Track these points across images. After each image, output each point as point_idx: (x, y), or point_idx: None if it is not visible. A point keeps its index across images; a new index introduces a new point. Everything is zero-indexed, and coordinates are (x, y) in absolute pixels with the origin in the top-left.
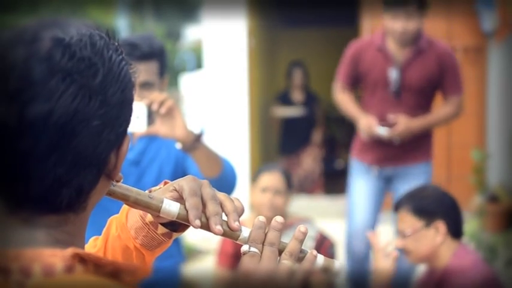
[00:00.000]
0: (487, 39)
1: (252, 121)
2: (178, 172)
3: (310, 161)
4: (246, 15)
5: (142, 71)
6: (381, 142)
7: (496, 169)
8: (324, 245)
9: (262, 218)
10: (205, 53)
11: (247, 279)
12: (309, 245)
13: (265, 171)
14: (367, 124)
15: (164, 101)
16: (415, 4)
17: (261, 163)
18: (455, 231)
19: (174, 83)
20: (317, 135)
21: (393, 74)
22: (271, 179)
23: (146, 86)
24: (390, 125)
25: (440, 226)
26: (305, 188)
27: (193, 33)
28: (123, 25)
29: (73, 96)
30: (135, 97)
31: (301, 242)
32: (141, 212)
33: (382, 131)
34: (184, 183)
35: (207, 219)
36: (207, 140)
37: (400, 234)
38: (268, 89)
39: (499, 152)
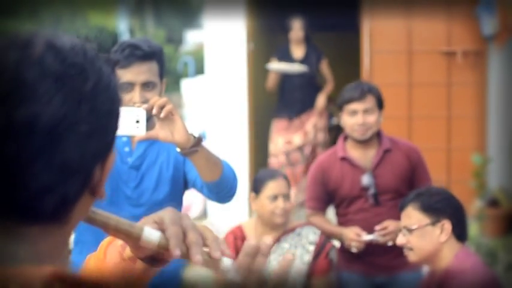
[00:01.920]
0: (487, 43)
1: (252, 126)
2: (178, 176)
3: (311, 128)
4: (245, 19)
5: (145, 71)
6: (369, 250)
7: (496, 173)
8: (324, 248)
9: (252, 244)
10: (207, 58)
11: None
12: (311, 248)
13: (269, 178)
14: (354, 235)
15: (164, 104)
16: (372, 100)
17: (261, 168)
18: (460, 233)
19: (175, 87)
20: (321, 99)
21: (365, 181)
22: (278, 185)
23: (148, 85)
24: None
25: (447, 225)
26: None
27: (193, 38)
28: (123, 29)
29: (62, 100)
30: (137, 97)
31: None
32: (119, 248)
33: (374, 237)
34: (164, 214)
35: (188, 248)
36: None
37: (404, 230)
38: (268, 94)
39: (499, 156)
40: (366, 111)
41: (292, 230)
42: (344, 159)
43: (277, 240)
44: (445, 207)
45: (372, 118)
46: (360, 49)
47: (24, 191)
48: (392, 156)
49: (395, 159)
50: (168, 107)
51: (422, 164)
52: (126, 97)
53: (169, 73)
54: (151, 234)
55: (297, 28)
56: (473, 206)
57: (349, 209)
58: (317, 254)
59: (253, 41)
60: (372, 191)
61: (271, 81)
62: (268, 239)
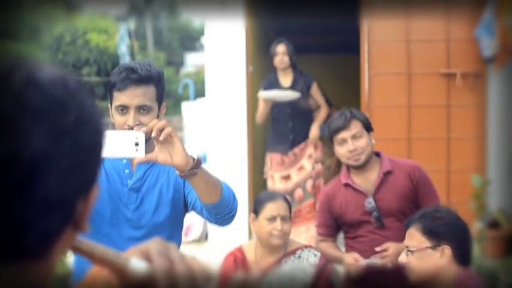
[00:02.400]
0: (487, 65)
1: (252, 148)
2: (178, 198)
3: (306, 162)
4: (245, 41)
5: (140, 95)
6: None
7: (496, 195)
8: (325, 270)
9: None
10: (207, 80)
11: None
12: (311, 270)
13: (268, 200)
14: (352, 260)
15: (163, 127)
16: (357, 125)
17: (261, 190)
18: (462, 257)
19: (176, 110)
20: (314, 130)
21: (368, 205)
22: (277, 207)
23: (144, 109)
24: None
25: (446, 250)
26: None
27: (194, 60)
28: (124, 51)
29: (43, 135)
30: (132, 120)
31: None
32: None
33: (373, 260)
34: (151, 245)
35: (175, 280)
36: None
37: (407, 250)
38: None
39: (499, 177)
40: (354, 138)
41: (293, 252)
42: (347, 185)
43: (278, 262)
44: (446, 232)
45: (361, 142)
46: (360, 71)
47: (3, 227)
48: (394, 178)
49: (397, 181)
50: (166, 130)
51: (425, 182)
52: (121, 119)
53: (169, 95)
54: (137, 265)
55: (281, 53)
56: (474, 228)
57: (357, 232)
58: (318, 276)
59: (253, 64)
60: (375, 214)
61: (261, 113)
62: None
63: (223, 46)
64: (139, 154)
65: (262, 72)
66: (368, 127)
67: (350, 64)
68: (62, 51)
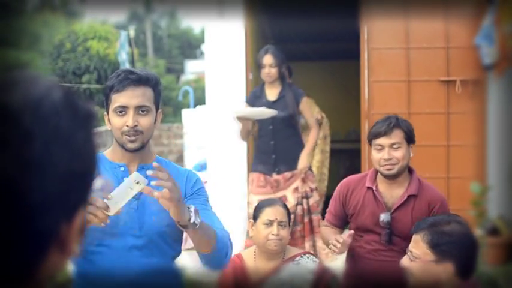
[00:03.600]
0: (487, 73)
1: (251, 155)
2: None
3: (291, 196)
4: (245, 49)
5: (139, 95)
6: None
7: (496, 201)
8: (324, 277)
9: None
10: (208, 88)
11: None
12: (310, 277)
13: (267, 205)
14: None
15: (159, 196)
16: (399, 134)
17: None
18: (465, 272)
19: (176, 117)
20: (302, 159)
21: (383, 220)
22: (275, 212)
23: (143, 110)
24: None
25: (449, 268)
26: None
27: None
28: (124, 59)
29: (8, 166)
30: (131, 121)
31: None
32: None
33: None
34: None
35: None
36: (207, 174)
37: (410, 255)
38: None
39: (498, 184)
40: (392, 147)
41: (292, 259)
42: (369, 189)
43: (277, 268)
44: (452, 250)
45: (398, 153)
46: (360, 78)
47: None
48: (416, 203)
49: (418, 206)
50: (163, 194)
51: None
52: (119, 121)
53: (170, 102)
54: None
55: (267, 65)
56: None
57: (364, 237)
58: (317, 282)
59: (252, 71)
60: (387, 231)
61: (241, 131)
62: None
63: (223, 53)
64: (142, 186)
65: (262, 80)
66: (410, 139)
67: (350, 71)
68: (62, 59)
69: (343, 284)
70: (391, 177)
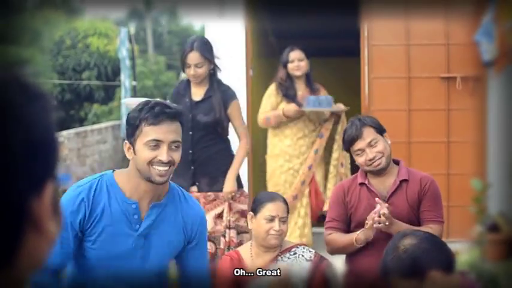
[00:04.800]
0: (487, 69)
1: (252, 150)
2: (180, 239)
3: (211, 222)
4: (245, 44)
5: (173, 131)
6: None
7: (496, 198)
8: (321, 265)
9: None
10: None
11: None
12: (307, 265)
13: (268, 200)
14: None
15: None
16: (370, 131)
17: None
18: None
19: None
20: (228, 182)
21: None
22: (276, 207)
23: (175, 145)
24: None
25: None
26: None
27: None
28: (125, 55)
29: None
30: (165, 156)
31: None
32: None
33: (384, 209)
34: None
35: None
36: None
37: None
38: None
39: (499, 181)
40: (370, 145)
41: (288, 250)
42: (362, 184)
43: (274, 260)
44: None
45: (378, 148)
46: (360, 75)
47: None
48: (409, 186)
49: (410, 190)
50: None
51: (431, 194)
52: (150, 154)
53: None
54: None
55: (193, 61)
56: (474, 231)
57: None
58: (313, 271)
59: (253, 68)
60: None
61: None
62: None
63: (223, 50)
64: None
65: (262, 76)
66: (380, 130)
67: (350, 68)
68: (62, 55)
69: (344, 282)
70: (381, 171)
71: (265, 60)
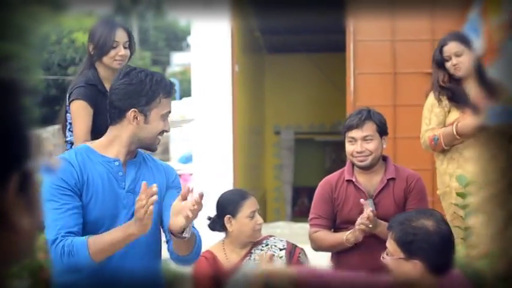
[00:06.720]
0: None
1: (236, 147)
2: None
3: None
4: (231, 40)
5: (170, 103)
6: None
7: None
8: (295, 253)
9: None
10: (193, 80)
11: None
12: (282, 254)
13: (242, 199)
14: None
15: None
16: (371, 127)
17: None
18: (438, 269)
19: None
20: None
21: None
22: (253, 202)
23: (168, 116)
24: None
25: (417, 266)
26: None
27: (180, 59)
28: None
29: None
30: (169, 126)
31: None
32: None
33: (369, 204)
34: None
35: None
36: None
37: (386, 251)
38: (253, 115)
39: None
40: (364, 139)
41: (260, 242)
42: (349, 181)
43: (248, 253)
44: (418, 249)
45: (371, 145)
46: (346, 70)
47: None
48: (395, 185)
49: (397, 187)
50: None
51: (417, 192)
52: (163, 125)
53: None
54: None
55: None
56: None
57: (350, 228)
58: (289, 259)
59: (238, 63)
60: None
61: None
62: None
63: (209, 45)
64: None
65: (248, 72)
66: (382, 131)
67: (335, 63)
68: (48, 51)
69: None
70: (366, 168)
71: (251, 56)
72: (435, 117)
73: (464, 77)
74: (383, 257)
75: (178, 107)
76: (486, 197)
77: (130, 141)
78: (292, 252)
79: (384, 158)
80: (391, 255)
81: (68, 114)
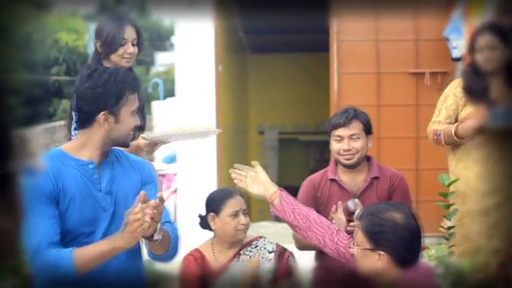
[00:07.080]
0: (455, 65)
1: (220, 147)
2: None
3: None
4: (215, 41)
5: (137, 98)
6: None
7: None
8: (284, 256)
9: None
10: (177, 80)
11: None
12: (271, 257)
13: (227, 197)
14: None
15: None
16: (357, 126)
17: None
18: (404, 262)
19: (147, 110)
20: None
21: (351, 206)
22: (237, 202)
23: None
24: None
25: (383, 257)
26: None
27: (164, 59)
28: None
29: None
30: (139, 120)
31: None
32: None
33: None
34: None
35: None
36: (177, 166)
37: (353, 242)
38: (237, 115)
39: None
40: (351, 138)
41: (249, 243)
42: (333, 180)
43: (237, 255)
44: (384, 240)
45: (357, 144)
46: (329, 70)
47: None
48: (379, 184)
49: (380, 187)
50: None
51: (400, 192)
52: (135, 121)
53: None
54: None
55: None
56: (443, 226)
57: None
58: (278, 262)
59: (222, 63)
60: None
61: None
62: None
63: (193, 45)
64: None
65: (232, 71)
66: (368, 130)
67: (319, 63)
68: (31, 50)
69: (313, 280)
70: (351, 167)
71: (235, 56)
72: (445, 110)
73: (492, 72)
74: (349, 247)
75: (162, 107)
76: (491, 204)
77: (103, 142)
78: (282, 255)
79: (367, 158)
80: (358, 246)
81: (73, 112)
